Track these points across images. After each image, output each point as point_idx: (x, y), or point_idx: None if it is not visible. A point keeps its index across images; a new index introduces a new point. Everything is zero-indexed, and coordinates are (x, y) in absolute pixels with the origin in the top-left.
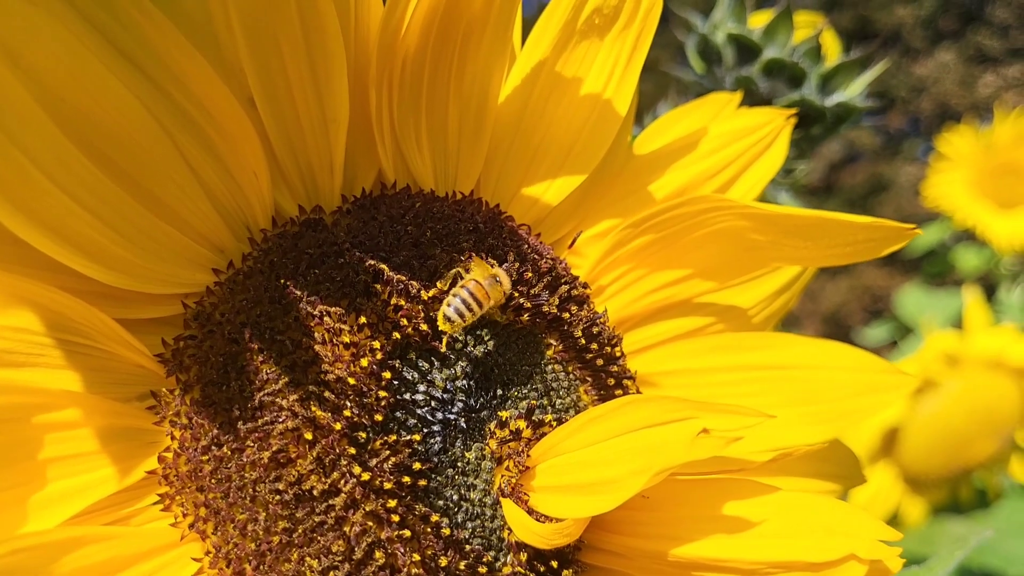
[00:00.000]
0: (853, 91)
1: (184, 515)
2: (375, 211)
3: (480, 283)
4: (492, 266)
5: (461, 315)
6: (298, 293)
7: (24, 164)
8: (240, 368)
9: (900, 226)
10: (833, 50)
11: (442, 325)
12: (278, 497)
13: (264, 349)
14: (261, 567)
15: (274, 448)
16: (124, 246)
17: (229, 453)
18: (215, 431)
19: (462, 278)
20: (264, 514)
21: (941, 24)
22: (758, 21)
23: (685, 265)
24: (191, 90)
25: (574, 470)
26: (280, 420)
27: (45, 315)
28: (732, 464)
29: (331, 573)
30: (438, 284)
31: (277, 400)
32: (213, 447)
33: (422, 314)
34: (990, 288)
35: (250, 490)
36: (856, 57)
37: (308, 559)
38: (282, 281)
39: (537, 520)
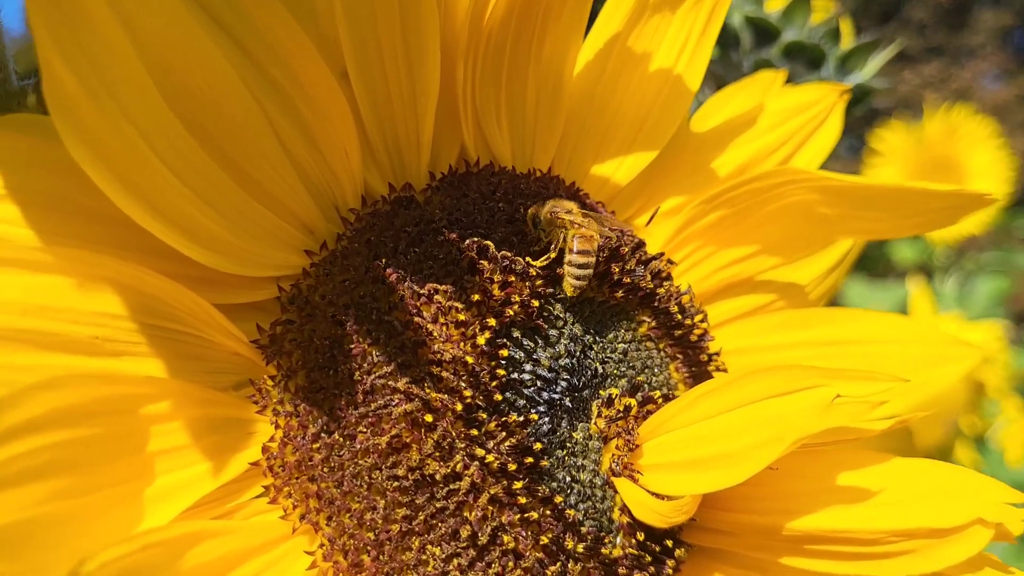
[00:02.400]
0: (868, 72)
1: (294, 507)
2: (465, 188)
3: (581, 236)
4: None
5: (584, 277)
6: (401, 272)
7: (133, 136)
8: (347, 351)
9: (980, 193)
10: (847, 33)
11: (572, 293)
12: (396, 484)
13: (372, 331)
14: (380, 557)
15: (391, 433)
16: (222, 224)
17: (341, 440)
18: (324, 418)
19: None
20: (383, 502)
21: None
22: (771, 5)
23: (753, 241)
24: (287, 64)
25: (689, 445)
26: (395, 403)
27: (141, 300)
28: (850, 433)
29: (454, 560)
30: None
31: (390, 383)
32: (323, 434)
33: (528, 290)
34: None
35: (366, 477)
36: (871, 40)
37: (430, 547)
38: (383, 260)
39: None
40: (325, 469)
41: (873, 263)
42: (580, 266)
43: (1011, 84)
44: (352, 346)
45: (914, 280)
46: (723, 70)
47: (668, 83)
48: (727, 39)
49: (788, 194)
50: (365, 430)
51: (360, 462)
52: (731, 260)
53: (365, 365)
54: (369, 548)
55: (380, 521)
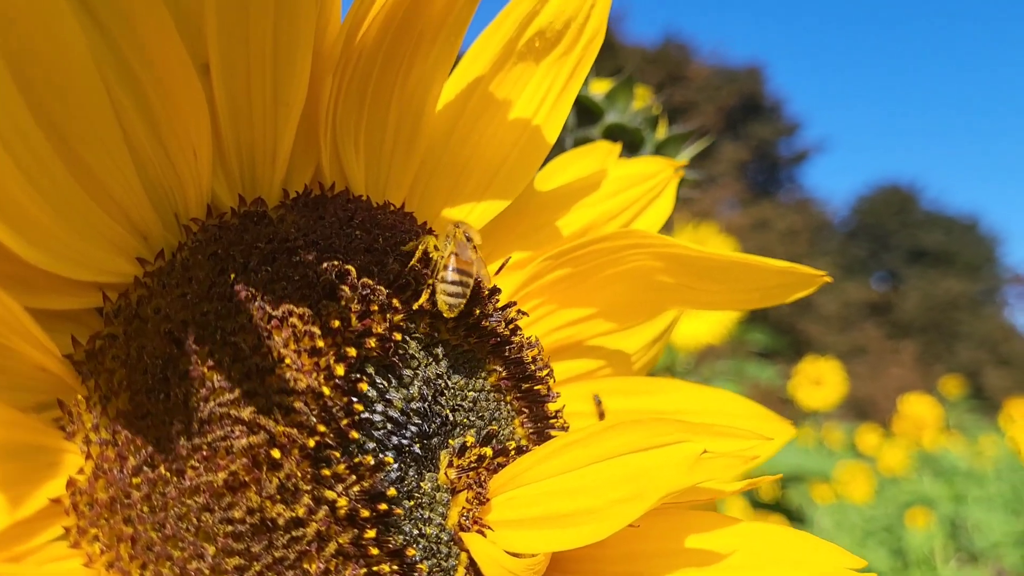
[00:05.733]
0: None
1: (101, 552)
2: (322, 211)
3: (458, 255)
4: (455, 234)
5: (460, 295)
6: (252, 290)
7: None
8: (183, 373)
9: (813, 272)
10: (662, 123)
11: (448, 313)
12: (231, 528)
13: (215, 352)
14: None
15: (229, 469)
16: (46, 212)
17: (167, 475)
18: (149, 448)
19: (430, 256)
20: (212, 549)
21: None
22: (594, 88)
23: (593, 303)
24: (142, 42)
25: (544, 500)
26: (236, 436)
27: None
28: (703, 494)
29: None
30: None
31: (232, 412)
32: (145, 467)
33: (387, 323)
34: None
35: (194, 520)
36: (686, 131)
37: None
38: (231, 276)
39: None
40: (145, 508)
41: None
42: (454, 283)
43: (745, 213)
44: (190, 367)
45: None
46: None
47: (526, 133)
48: None
49: (631, 258)
50: (198, 464)
51: (188, 501)
52: (569, 320)
53: (203, 391)
54: None
55: (207, 571)
